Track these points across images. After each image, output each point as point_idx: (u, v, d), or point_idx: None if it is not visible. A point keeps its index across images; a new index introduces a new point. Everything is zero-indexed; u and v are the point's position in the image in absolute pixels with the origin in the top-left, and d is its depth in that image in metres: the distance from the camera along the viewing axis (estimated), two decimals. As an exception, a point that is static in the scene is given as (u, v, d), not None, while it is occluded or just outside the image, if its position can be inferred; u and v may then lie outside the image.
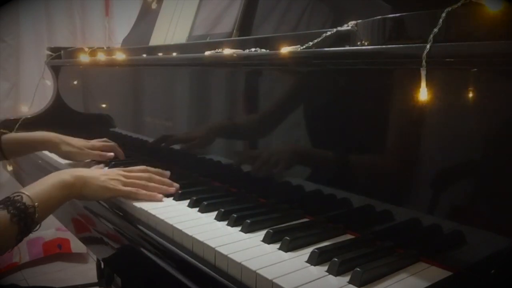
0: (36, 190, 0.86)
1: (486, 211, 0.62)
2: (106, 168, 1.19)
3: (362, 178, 0.79)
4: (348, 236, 0.78)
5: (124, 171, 1.02)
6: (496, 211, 0.61)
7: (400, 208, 0.72)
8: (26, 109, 2.01)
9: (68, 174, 0.93)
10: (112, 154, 1.29)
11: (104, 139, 1.36)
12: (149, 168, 1.05)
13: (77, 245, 2.61)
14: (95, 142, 1.32)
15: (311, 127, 0.88)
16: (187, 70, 1.21)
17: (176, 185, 1.02)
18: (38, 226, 0.85)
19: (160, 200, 0.96)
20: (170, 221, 0.83)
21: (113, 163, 1.27)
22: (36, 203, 0.82)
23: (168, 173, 1.06)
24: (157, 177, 1.02)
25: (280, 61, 0.88)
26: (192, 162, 1.18)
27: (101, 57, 1.60)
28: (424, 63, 0.62)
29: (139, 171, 1.02)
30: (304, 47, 0.83)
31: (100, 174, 0.98)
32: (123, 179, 0.98)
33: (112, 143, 1.33)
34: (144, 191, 0.96)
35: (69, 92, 1.95)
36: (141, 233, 0.86)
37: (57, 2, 2.63)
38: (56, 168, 1.35)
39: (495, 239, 0.60)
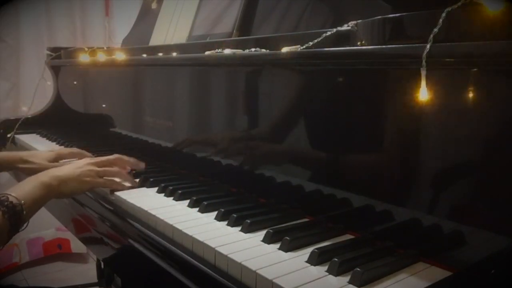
0: (20, 190, 0.90)
1: (486, 211, 0.62)
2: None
3: (362, 178, 0.79)
4: (348, 236, 0.78)
5: (93, 159, 1.08)
6: (496, 211, 0.61)
7: (400, 208, 0.72)
8: (26, 109, 2.01)
9: (45, 175, 0.97)
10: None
11: (74, 148, 1.35)
12: (121, 156, 1.12)
13: (77, 245, 2.61)
14: (62, 150, 1.30)
15: (311, 127, 0.87)
16: (187, 70, 1.21)
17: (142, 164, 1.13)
18: (25, 225, 0.89)
19: (127, 187, 1.04)
20: (170, 221, 0.83)
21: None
22: (23, 201, 0.87)
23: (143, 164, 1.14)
24: (126, 159, 1.11)
25: (280, 61, 0.88)
26: (192, 162, 1.18)
27: (101, 57, 1.60)
28: (424, 63, 0.62)
29: (108, 159, 1.09)
30: (304, 47, 0.83)
31: (74, 169, 1.01)
32: (96, 168, 1.04)
33: (79, 151, 1.30)
34: (116, 183, 1.04)
35: (69, 92, 1.95)
36: (141, 233, 0.86)
37: (57, 2, 2.63)
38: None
39: (495, 239, 0.60)
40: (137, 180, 1.09)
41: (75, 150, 1.33)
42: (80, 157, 1.26)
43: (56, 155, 1.26)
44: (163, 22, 1.60)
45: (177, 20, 1.51)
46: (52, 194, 0.96)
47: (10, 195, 0.87)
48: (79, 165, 1.04)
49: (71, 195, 1.06)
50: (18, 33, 2.53)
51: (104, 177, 1.04)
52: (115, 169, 1.07)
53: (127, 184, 1.05)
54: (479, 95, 0.61)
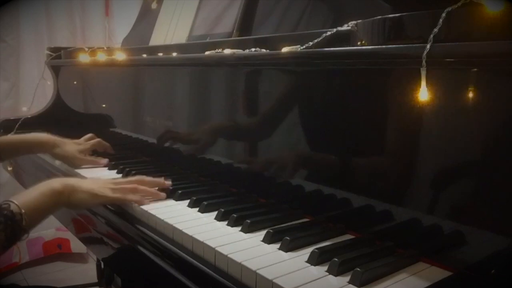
0: (25, 198, 0.86)
1: (486, 211, 0.62)
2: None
3: (362, 178, 0.79)
4: (348, 236, 0.78)
5: (114, 179, 1.02)
6: (496, 211, 0.61)
7: (400, 208, 0.72)
8: (26, 109, 2.01)
9: (58, 182, 0.93)
10: (106, 160, 1.32)
11: (90, 135, 1.40)
12: (143, 176, 1.02)
13: (77, 245, 2.61)
14: (85, 144, 1.36)
15: (311, 127, 0.87)
16: (187, 70, 1.21)
17: (164, 190, 0.99)
18: (26, 235, 0.85)
19: (147, 203, 0.94)
20: (170, 221, 0.83)
21: (112, 162, 1.27)
22: (23, 211, 0.83)
23: (168, 182, 1.02)
24: (148, 179, 1.00)
25: (280, 61, 0.88)
26: (192, 162, 1.18)
27: (101, 57, 1.60)
28: (424, 63, 0.62)
29: (129, 181, 1.01)
30: (304, 47, 0.83)
31: (90, 183, 0.97)
32: (112, 186, 0.97)
33: (97, 140, 1.39)
34: (131, 196, 0.95)
35: (69, 92, 1.95)
36: (141, 233, 0.86)
37: (57, 2, 2.63)
38: (55, 168, 1.35)
39: (495, 239, 0.60)
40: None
41: (97, 143, 1.38)
42: (99, 147, 1.37)
43: (83, 148, 1.33)
44: (163, 22, 1.60)
45: (177, 20, 1.51)
46: (61, 203, 0.93)
47: (12, 202, 0.83)
48: (98, 181, 1.01)
49: (80, 207, 1.01)
50: (18, 33, 2.53)
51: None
52: (131, 185, 0.98)
53: (139, 202, 0.95)
54: (479, 95, 0.61)
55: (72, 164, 1.31)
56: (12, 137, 1.45)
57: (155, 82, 1.37)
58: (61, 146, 1.32)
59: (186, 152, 1.21)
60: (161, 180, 1.02)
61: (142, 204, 0.93)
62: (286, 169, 0.92)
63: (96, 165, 1.31)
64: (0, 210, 0.81)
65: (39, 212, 0.87)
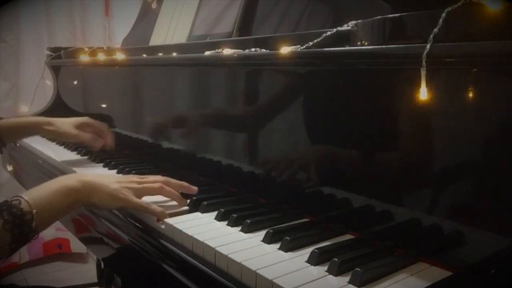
0: (37, 195, 0.79)
1: (486, 211, 0.62)
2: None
3: (362, 178, 0.79)
4: (348, 236, 0.78)
5: (140, 177, 0.95)
6: (496, 211, 0.61)
7: (400, 208, 0.72)
8: (26, 109, 2.02)
9: (75, 179, 0.86)
10: (101, 143, 1.37)
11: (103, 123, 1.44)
12: (170, 178, 0.95)
13: (77, 245, 2.61)
14: (88, 120, 1.39)
15: (311, 127, 0.87)
16: (187, 70, 1.21)
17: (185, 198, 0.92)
18: (36, 235, 0.78)
19: (166, 217, 0.85)
20: (170, 221, 0.83)
21: (113, 162, 1.27)
22: (34, 210, 0.76)
23: (194, 188, 0.96)
24: (174, 181, 0.94)
25: (280, 61, 0.88)
26: (192, 162, 1.18)
27: (101, 57, 1.60)
28: (424, 63, 0.62)
29: (155, 180, 0.94)
30: (304, 47, 0.83)
31: (112, 181, 0.89)
32: (136, 185, 0.90)
33: (105, 129, 1.41)
34: (154, 207, 0.86)
35: (69, 92, 1.95)
36: (141, 233, 0.86)
37: (57, 2, 2.63)
38: (55, 167, 1.35)
39: (495, 239, 0.60)
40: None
41: (98, 123, 1.40)
42: (100, 131, 1.38)
43: (81, 122, 1.37)
44: (163, 22, 1.60)
45: (177, 20, 1.51)
46: (79, 202, 0.86)
47: (23, 198, 0.76)
48: (120, 178, 0.92)
49: (101, 207, 0.94)
50: (18, 33, 2.53)
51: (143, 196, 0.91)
52: (156, 184, 0.91)
53: (173, 209, 0.87)
54: (479, 95, 0.61)
55: (66, 138, 1.38)
56: (10, 120, 1.46)
57: (155, 82, 1.37)
58: (55, 123, 1.36)
59: (185, 152, 1.21)
60: (186, 184, 0.95)
61: (161, 219, 0.84)
62: (286, 169, 0.92)
63: (90, 144, 1.36)
64: (9, 207, 0.74)
65: (52, 212, 0.80)
